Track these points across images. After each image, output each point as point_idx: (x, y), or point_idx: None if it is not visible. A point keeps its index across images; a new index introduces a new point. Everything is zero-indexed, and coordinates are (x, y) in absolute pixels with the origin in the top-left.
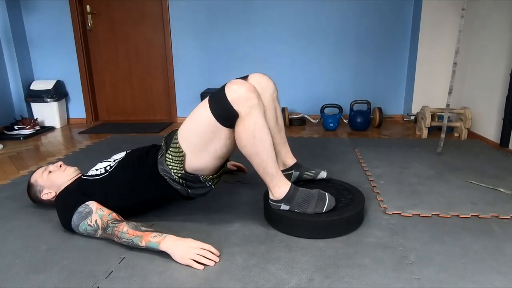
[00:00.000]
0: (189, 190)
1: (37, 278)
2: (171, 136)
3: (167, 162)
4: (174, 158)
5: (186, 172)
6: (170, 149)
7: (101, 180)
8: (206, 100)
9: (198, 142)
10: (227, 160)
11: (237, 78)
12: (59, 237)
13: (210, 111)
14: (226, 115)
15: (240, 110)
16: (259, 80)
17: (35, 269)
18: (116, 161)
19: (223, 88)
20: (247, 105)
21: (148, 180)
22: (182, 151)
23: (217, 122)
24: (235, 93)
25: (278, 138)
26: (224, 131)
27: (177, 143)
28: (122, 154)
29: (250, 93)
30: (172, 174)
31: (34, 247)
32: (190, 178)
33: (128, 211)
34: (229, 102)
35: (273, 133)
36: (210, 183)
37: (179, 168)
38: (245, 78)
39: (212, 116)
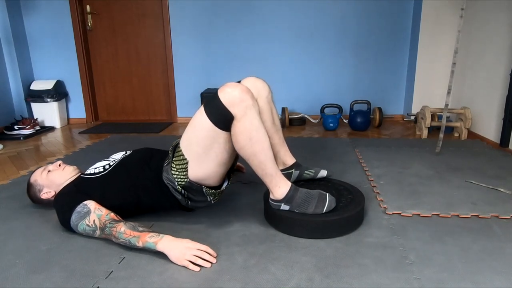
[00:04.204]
0: (189, 202)
1: (37, 278)
2: (177, 146)
3: (172, 171)
4: (178, 166)
5: (190, 180)
6: (174, 158)
7: (99, 178)
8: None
9: (199, 149)
10: (231, 173)
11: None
12: (59, 237)
13: (207, 117)
14: (222, 119)
15: (235, 112)
16: (254, 83)
17: (35, 269)
18: (116, 160)
19: (216, 92)
20: (242, 106)
21: (149, 184)
22: (185, 158)
23: (215, 127)
24: (229, 95)
25: (276, 138)
26: (222, 135)
27: (180, 151)
28: (122, 153)
29: (244, 94)
30: (176, 184)
31: (34, 247)
32: (194, 188)
33: (124, 210)
34: (224, 105)
35: (270, 134)
36: (211, 198)
37: (183, 176)
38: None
39: (209, 122)
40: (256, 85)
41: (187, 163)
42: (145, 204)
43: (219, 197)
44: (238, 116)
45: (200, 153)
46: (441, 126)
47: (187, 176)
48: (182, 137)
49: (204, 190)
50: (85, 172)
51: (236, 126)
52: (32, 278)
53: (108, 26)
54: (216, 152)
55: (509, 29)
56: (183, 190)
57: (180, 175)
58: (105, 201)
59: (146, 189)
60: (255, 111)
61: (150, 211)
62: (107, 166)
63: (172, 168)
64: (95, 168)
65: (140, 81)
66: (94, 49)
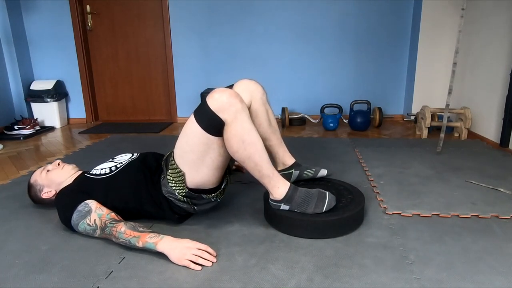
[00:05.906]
0: (196, 207)
1: (37, 278)
2: (169, 158)
3: (169, 183)
4: (175, 179)
5: (189, 189)
6: (169, 171)
7: (105, 180)
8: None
9: (194, 157)
10: (228, 173)
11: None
12: (59, 237)
13: (198, 125)
14: (213, 125)
15: (225, 117)
16: (246, 85)
17: (35, 269)
18: (123, 163)
19: (205, 99)
20: (231, 111)
21: (153, 198)
22: (180, 171)
23: (207, 133)
24: (218, 101)
25: (274, 139)
26: (215, 140)
27: (174, 164)
28: (128, 155)
29: (232, 98)
30: (176, 194)
31: (34, 247)
32: (194, 196)
33: (126, 213)
34: (213, 112)
35: (267, 135)
36: (214, 198)
37: (181, 187)
38: (230, 87)
39: (201, 129)
40: (249, 87)
41: (183, 175)
42: (146, 212)
43: (223, 194)
44: (229, 121)
45: (195, 160)
46: (441, 126)
47: (185, 187)
48: (176, 146)
49: (204, 196)
50: (90, 172)
51: (228, 131)
52: (32, 278)
53: (108, 26)
54: (212, 158)
55: (509, 30)
56: (185, 199)
57: (179, 186)
58: (107, 202)
59: (150, 200)
60: (245, 114)
61: (151, 218)
62: (113, 168)
63: (169, 181)
64: (102, 169)
65: (140, 81)
66: (94, 49)
